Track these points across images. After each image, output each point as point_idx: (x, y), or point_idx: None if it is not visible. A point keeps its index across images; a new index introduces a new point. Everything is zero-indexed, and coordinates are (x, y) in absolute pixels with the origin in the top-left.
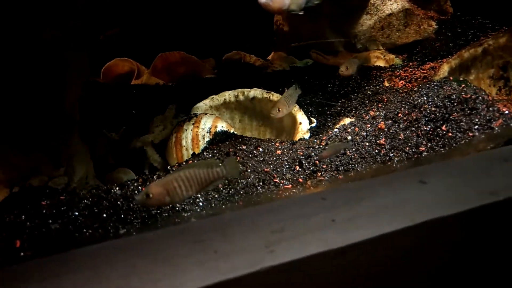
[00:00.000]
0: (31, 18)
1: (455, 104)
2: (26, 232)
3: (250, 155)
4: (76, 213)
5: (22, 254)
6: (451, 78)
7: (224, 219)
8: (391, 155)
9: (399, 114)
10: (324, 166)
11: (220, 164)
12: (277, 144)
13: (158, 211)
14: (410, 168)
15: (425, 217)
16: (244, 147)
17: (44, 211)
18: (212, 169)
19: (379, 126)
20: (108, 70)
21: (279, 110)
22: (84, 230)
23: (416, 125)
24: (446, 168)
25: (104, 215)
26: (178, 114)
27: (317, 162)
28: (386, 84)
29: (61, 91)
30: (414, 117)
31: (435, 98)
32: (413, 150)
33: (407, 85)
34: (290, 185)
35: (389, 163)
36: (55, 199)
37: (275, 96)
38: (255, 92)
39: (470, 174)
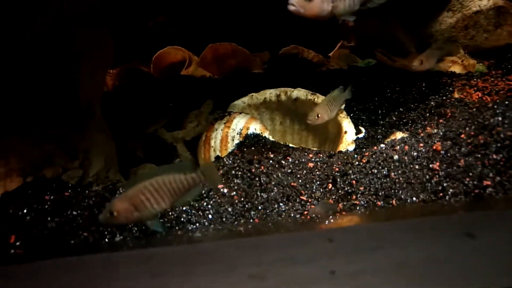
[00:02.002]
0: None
1: None
2: (23, 228)
3: (276, 165)
4: (75, 213)
5: (13, 251)
6: None
7: (196, 249)
8: (445, 185)
9: (462, 135)
10: (361, 188)
11: (196, 170)
12: (311, 155)
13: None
14: (459, 212)
15: None
16: (272, 155)
17: (46, 206)
18: (186, 175)
19: (434, 147)
20: (159, 59)
21: (318, 116)
22: (80, 232)
23: (483, 152)
24: (509, 218)
25: None
26: (215, 110)
27: (354, 182)
28: (456, 95)
29: (74, 80)
30: (482, 141)
31: None
32: (475, 183)
33: (484, 98)
34: None
35: (440, 194)
36: (59, 195)
37: (320, 99)
38: (299, 93)
39: None
